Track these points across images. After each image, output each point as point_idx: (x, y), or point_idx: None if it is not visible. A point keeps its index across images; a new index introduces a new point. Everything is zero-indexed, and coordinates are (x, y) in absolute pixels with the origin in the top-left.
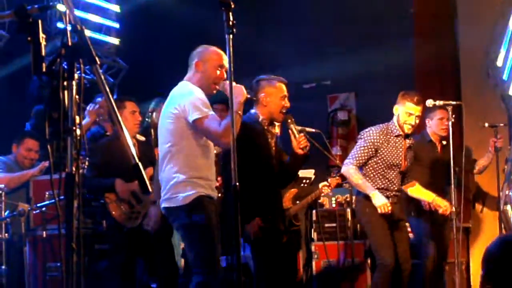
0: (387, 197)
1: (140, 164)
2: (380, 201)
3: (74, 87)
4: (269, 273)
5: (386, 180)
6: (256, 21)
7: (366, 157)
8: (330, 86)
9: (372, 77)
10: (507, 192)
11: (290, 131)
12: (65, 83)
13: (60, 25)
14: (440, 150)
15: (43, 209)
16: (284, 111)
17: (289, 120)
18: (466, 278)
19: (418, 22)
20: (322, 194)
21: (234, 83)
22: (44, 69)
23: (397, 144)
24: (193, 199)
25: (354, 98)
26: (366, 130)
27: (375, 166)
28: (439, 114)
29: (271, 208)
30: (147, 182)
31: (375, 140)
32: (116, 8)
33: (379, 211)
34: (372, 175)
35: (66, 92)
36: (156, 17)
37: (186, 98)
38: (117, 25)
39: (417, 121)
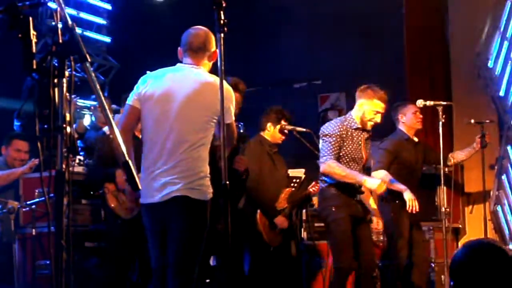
0: (353, 195)
1: (130, 161)
2: (376, 183)
3: (65, 85)
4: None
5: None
6: (246, 20)
7: (338, 150)
8: (321, 86)
9: (363, 77)
10: (497, 193)
11: None
12: (55, 80)
13: (50, 23)
14: (413, 147)
15: (33, 206)
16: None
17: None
18: None
19: (409, 22)
20: (312, 194)
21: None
22: (34, 66)
23: (357, 138)
24: (210, 199)
25: (345, 98)
26: (326, 126)
27: (339, 162)
28: (412, 108)
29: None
30: (137, 180)
31: (340, 132)
32: (107, 6)
33: (377, 192)
34: None
35: (56, 89)
36: (147, 15)
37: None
38: (108, 23)
39: (380, 120)
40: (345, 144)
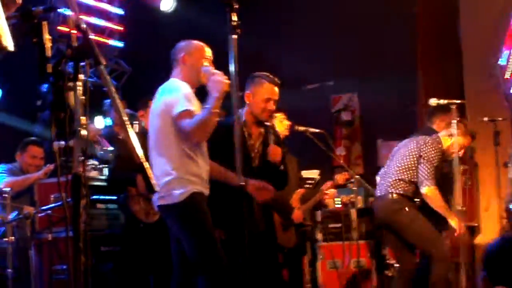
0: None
1: (146, 164)
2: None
3: (80, 88)
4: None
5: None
6: (259, 22)
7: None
8: (333, 87)
9: (375, 77)
10: (510, 191)
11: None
12: (70, 84)
13: (62, 28)
14: None
15: (49, 212)
16: (266, 113)
17: (271, 130)
18: (470, 278)
19: (421, 21)
20: (326, 196)
21: (217, 76)
22: (49, 70)
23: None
24: (188, 196)
25: (357, 99)
26: (417, 142)
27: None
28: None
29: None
30: (152, 181)
31: (439, 156)
32: (119, 11)
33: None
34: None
35: (71, 93)
36: (159, 19)
37: (173, 94)
38: (120, 28)
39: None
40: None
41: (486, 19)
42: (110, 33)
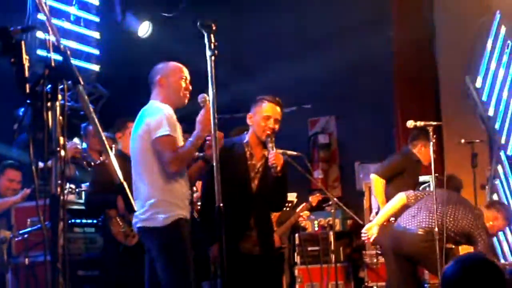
0: None
1: (125, 183)
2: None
3: (58, 109)
4: None
5: None
6: (235, 46)
7: None
8: (310, 110)
9: (352, 100)
10: None
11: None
12: (48, 104)
13: (40, 52)
14: None
15: (26, 236)
16: (267, 132)
17: (269, 139)
18: None
19: (397, 44)
20: (301, 218)
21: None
22: (27, 91)
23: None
24: (172, 221)
25: (335, 121)
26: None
27: None
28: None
29: (237, 232)
30: (132, 201)
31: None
32: (96, 34)
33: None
34: None
35: (50, 113)
36: (136, 43)
37: (154, 115)
38: (97, 52)
39: None
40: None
41: (462, 42)
42: (87, 57)
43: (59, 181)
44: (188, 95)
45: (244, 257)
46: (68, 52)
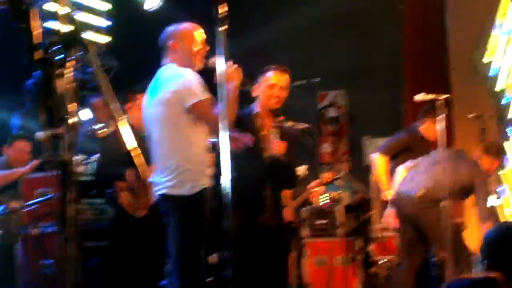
0: None
1: (132, 152)
2: None
3: (68, 76)
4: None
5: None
6: (243, 19)
7: None
8: (319, 83)
9: (361, 73)
10: (496, 188)
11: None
12: (58, 71)
13: (48, 24)
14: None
15: (34, 206)
16: (273, 100)
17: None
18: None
19: (407, 18)
20: (313, 194)
21: (230, 67)
22: (37, 57)
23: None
24: (198, 191)
25: (344, 95)
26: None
27: None
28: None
29: (253, 203)
30: (138, 169)
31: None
32: (106, 6)
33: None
34: None
35: (60, 80)
36: (146, 16)
37: (178, 81)
38: (108, 23)
39: None
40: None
41: (473, 16)
42: (97, 29)
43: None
44: (202, 61)
45: (259, 229)
46: (77, 21)
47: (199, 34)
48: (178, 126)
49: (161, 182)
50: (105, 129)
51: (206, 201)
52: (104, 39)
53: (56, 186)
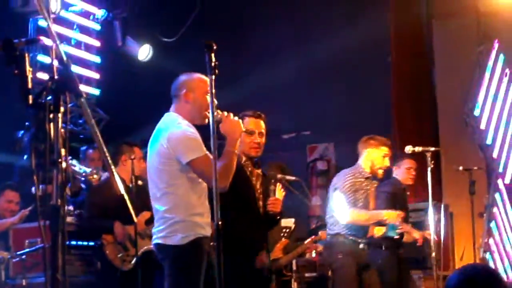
0: (359, 243)
1: (125, 195)
2: (395, 214)
3: (60, 120)
4: None
5: (359, 228)
6: (234, 70)
7: (353, 200)
8: (309, 136)
9: (350, 126)
10: (486, 240)
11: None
12: (51, 115)
13: (40, 58)
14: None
15: (23, 257)
16: (252, 148)
17: (273, 180)
18: None
19: (396, 70)
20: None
21: (232, 117)
22: (30, 102)
23: (366, 188)
24: (191, 241)
25: (333, 148)
26: (337, 178)
27: None
28: (407, 164)
29: (252, 250)
30: (132, 213)
31: (354, 183)
32: (96, 59)
33: (396, 221)
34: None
35: (52, 124)
36: (136, 67)
37: (177, 136)
38: (97, 76)
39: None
40: (356, 194)
41: (461, 69)
42: (87, 81)
43: (60, 192)
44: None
45: (257, 275)
46: (71, 65)
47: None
48: (173, 178)
49: (154, 232)
50: (97, 176)
51: (201, 250)
52: (94, 91)
53: (45, 237)
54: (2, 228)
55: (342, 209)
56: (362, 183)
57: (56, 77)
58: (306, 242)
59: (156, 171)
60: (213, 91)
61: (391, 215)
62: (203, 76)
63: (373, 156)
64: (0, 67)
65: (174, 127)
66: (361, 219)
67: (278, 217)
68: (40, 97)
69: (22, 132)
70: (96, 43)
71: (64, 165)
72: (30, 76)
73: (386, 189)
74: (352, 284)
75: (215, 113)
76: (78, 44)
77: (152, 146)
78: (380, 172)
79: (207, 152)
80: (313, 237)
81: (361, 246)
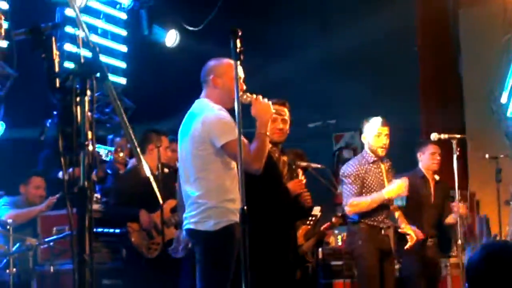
0: (380, 229)
1: (151, 177)
2: (394, 186)
3: (87, 104)
4: None
5: (374, 212)
6: (260, 60)
7: (359, 189)
8: (335, 125)
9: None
10: None
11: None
12: (78, 99)
13: (68, 47)
14: (433, 187)
15: (51, 243)
16: (276, 133)
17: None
18: None
19: (423, 58)
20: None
21: (262, 99)
22: (57, 85)
23: (376, 171)
24: (224, 227)
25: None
26: (345, 167)
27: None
28: (431, 149)
29: (282, 239)
30: (159, 196)
31: (358, 171)
32: (123, 48)
33: (401, 194)
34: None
35: (78, 108)
36: (162, 56)
37: (211, 120)
38: (124, 65)
39: (388, 141)
40: (366, 181)
41: (487, 58)
42: (114, 70)
43: (87, 174)
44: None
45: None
46: (97, 49)
47: (240, 71)
48: (207, 163)
49: (185, 218)
50: (123, 154)
51: (233, 236)
52: (121, 80)
53: (73, 224)
54: (30, 215)
55: (344, 202)
56: (368, 168)
57: (82, 61)
58: (322, 227)
59: (190, 156)
60: (240, 76)
61: (392, 193)
62: (231, 61)
63: (369, 138)
64: (31, 56)
65: (207, 111)
66: (362, 207)
67: (310, 211)
68: (67, 80)
69: (49, 121)
70: (123, 32)
71: (90, 148)
72: (57, 60)
73: None
74: (373, 271)
75: (245, 96)
76: (104, 34)
77: (184, 132)
78: (380, 151)
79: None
80: (328, 223)
81: (382, 232)
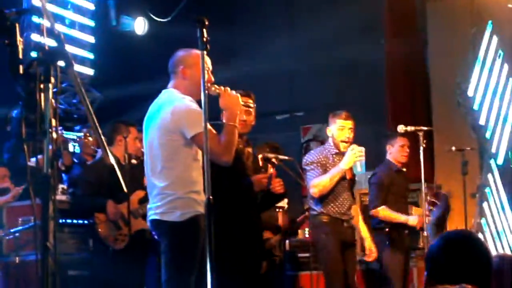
0: (342, 221)
1: (115, 165)
2: (350, 156)
3: (51, 91)
4: None
5: (338, 203)
6: (228, 49)
7: (321, 174)
8: (303, 117)
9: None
10: (478, 220)
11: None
12: (41, 86)
13: (34, 36)
14: (403, 176)
15: (16, 234)
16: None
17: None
18: None
19: (389, 53)
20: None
21: (230, 91)
22: (21, 72)
23: (338, 162)
24: (190, 218)
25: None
26: (307, 156)
27: None
28: (400, 141)
29: (247, 231)
30: (122, 183)
31: (319, 159)
32: (90, 39)
33: (361, 159)
34: (325, 199)
35: (42, 95)
36: (130, 47)
37: (181, 110)
38: (91, 56)
39: (352, 134)
40: (328, 169)
41: (454, 50)
42: (81, 61)
43: (50, 162)
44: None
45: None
46: (62, 37)
47: (208, 62)
48: (174, 153)
49: (150, 208)
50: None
51: (199, 227)
52: (88, 71)
53: (38, 214)
54: None
55: (308, 184)
56: (331, 159)
57: (46, 48)
58: (298, 219)
59: (157, 146)
60: (206, 66)
61: (349, 162)
62: (200, 52)
63: (332, 131)
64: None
65: (177, 101)
66: (325, 184)
67: (283, 198)
68: (30, 67)
69: (15, 111)
70: (90, 23)
71: (54, 135)
72: (21, 46)
73: (374, 181)
74: (337, 263)
75: (213, 88)
76: (72, 24)
77: (151, 121)
78: (343, 145)
79: (211, 128)
80: (304, 214)
81: (345, 224)
